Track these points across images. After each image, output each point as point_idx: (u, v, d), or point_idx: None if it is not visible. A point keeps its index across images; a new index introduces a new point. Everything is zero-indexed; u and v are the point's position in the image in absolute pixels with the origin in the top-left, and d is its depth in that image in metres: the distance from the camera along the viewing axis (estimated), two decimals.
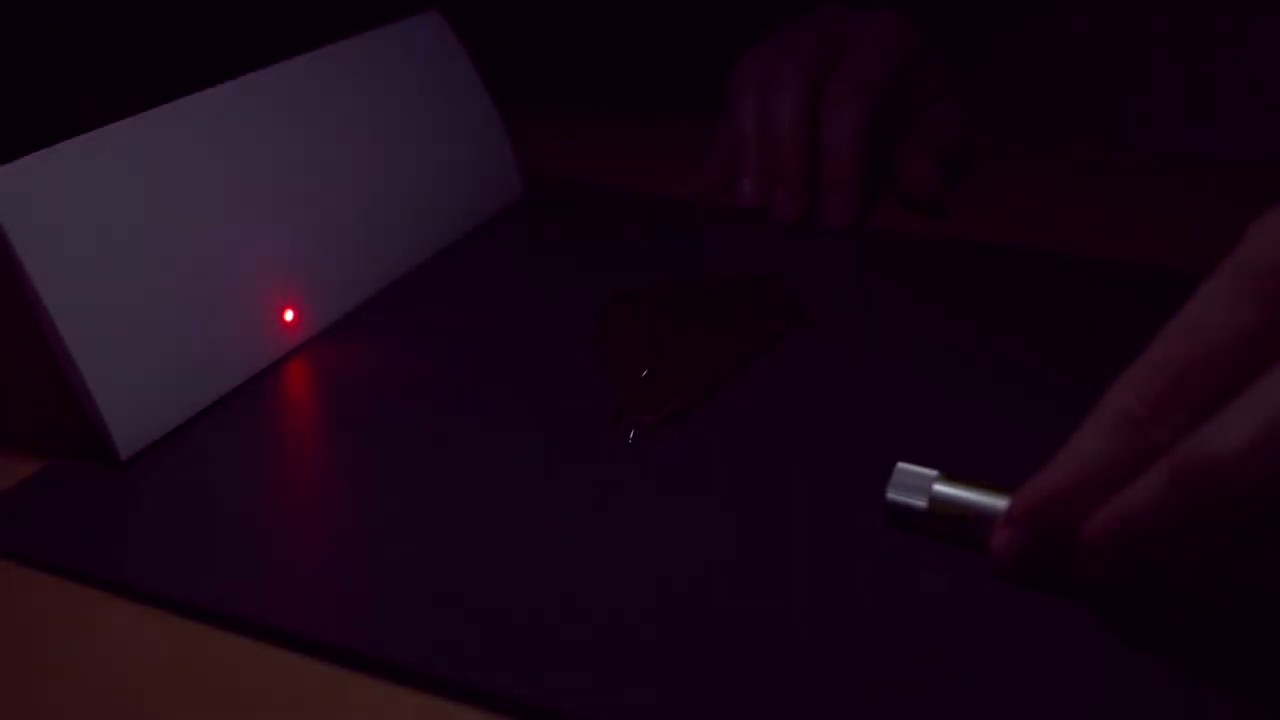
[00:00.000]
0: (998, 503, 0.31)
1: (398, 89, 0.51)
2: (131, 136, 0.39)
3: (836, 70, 0.56)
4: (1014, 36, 0.80)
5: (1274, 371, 0.25)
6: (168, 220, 0.39)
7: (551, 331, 0.45)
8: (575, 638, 0.29)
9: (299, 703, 0.28)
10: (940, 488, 0.32)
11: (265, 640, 0.30)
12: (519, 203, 0.57)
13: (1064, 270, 0.50)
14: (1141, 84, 0.73)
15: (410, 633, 0.30)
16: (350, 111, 0.48)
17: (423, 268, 0.50)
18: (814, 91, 0.56)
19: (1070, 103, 0.77)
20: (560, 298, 0.48)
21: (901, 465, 0.33)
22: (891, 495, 0.33)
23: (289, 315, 0.43)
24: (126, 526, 0.34)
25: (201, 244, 0.40)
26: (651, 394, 0.38)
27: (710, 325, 0.42)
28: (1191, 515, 0.26)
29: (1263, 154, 0.67)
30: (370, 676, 0.29)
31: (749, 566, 0.32)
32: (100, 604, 0.31)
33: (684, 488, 0.36)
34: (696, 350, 0.41)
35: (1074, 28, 0.76)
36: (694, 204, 0.58)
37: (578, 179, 0.61)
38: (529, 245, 0.54)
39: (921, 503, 0.33)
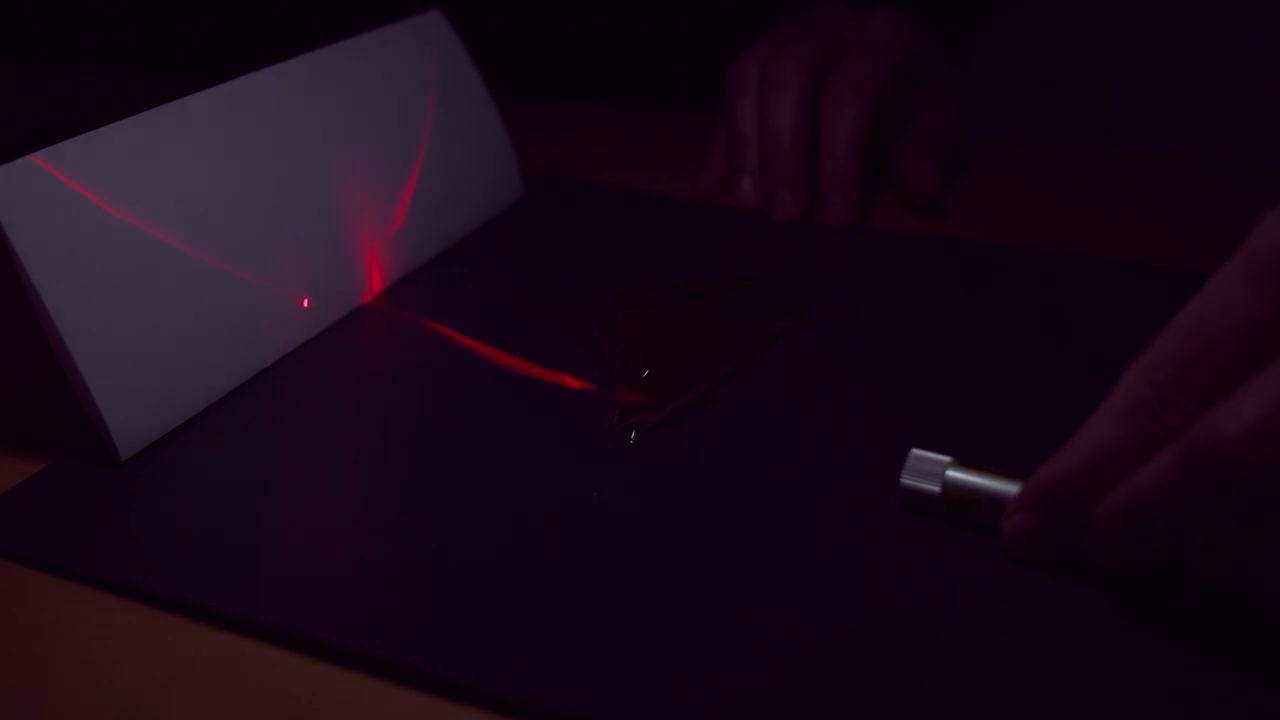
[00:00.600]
0: (1010, 488, 0.32)
1: (399, 89, 0.51)
2: (131, 136, 0.39)
3: (836, 70, 0.56)
4: (1014, 35, 0.80)
5: None
6: (168, 220, 0.39)
7: (552, 331, 0.45)
8: (577, 637, 0.29)
9: (299, 703, 0.28)
10: (953, 473, 0.33)
11: (265, 640, 0.30)
12: (520, 203, 0.57)
13: (1064, 269, 0.50)
14: (1142, 83, 0.73)
15: (410, 633, 0.30)
16: (351, 111, 0.48)
17: (424, 268, 0.50)
18: (813, 91, 0.56)
19: (1070, 102, 0.77)
20: (561, 298, 0.48)
21: (915, 451, 0.34)
22: (905, 480, 0.34)
23: (305, 303, 0.43)
24: (126, 526, 0.34)
25: (201, 244, 0.40)
26: (653, 394, 0.38)
27: (710, 325, 0.42)
28: (1202, 495, 0.27)
29: (1264, 153, 0.67)
30: (370, 676, 0.29)
31: (754, 564, 0.32)
32: (100, 604, 0.31)
33: (687, 487, 0.36)
34: (697, 350, 0.41)
35: (1074, 27, 0.76)
36: (694, 204, 0.58)
37: (578, 179, 0.61)
38: (529, 245, 0.54)
39: (935, 487, 0.33)
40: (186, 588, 0.31)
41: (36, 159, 0.36)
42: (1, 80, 0.80)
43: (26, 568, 0.33)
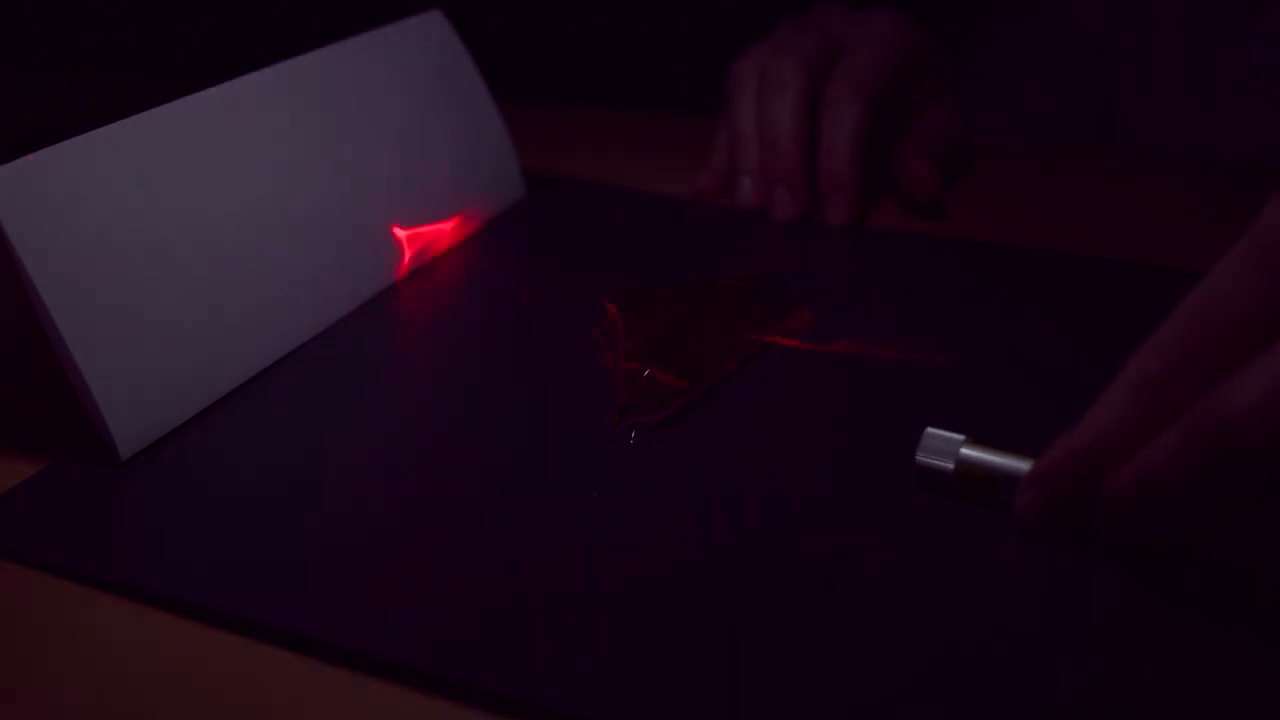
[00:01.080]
0: (1022, 465, 0.33)
1: (399, 89, 0.51)
2: (132, 136, 0.39)
3: (835, 69, 0.56)
4: (1015, 35, 0.80)
5: None
6: (168, 220, 0.39)
7: (552, 331, 0.45)
8: (580, 637, 0.29)
9: (299, 703, 0.28)
10: (967, 451, 0.34)
11: (265, 640, 0.30)
12: (520, 203, 0.57)
13: (1064, 269, 0.50)
14: (1143, 82, 0.73)
15: (411, 632, 0.30)
16: (351, 111, 0.48)
17: (424, 268, 0.50)
18: (813, 91, 0.56)
19: (1070, 102, 0.77)
20: (561, 298, 0.48)
21: (930, 430, 0.35)
22: (921, 458, 0.35)
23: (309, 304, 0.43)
24: (127, 526, 0.34)
25: (201, 244, 0.40)
26: (653, 394, 0.38)
27: (710, 325, 0.42)
28: (1206, 472, 0.27)
29: (1265, 153, 0.67)
30: (370, 676, 0.29)
31: (758, 562, 0.32)
32: (100, 604, 0.31)
33: (689, 485, 0.36)
34: (697, 350, 0.41)
35: (1075, 26, 0.76)
36: (694, 204, 0.58)
37: (578, 178, 0.61)
38: (530, 245, 0.54)
39: (949, 465, 0.34)
40: (186, 588, 0.31)
41: (36, 159, 0.36)
42: (1, 80, 0.80)
43: (26, 568, 0.33)
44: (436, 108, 0.53)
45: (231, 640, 0.30)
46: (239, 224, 0.41)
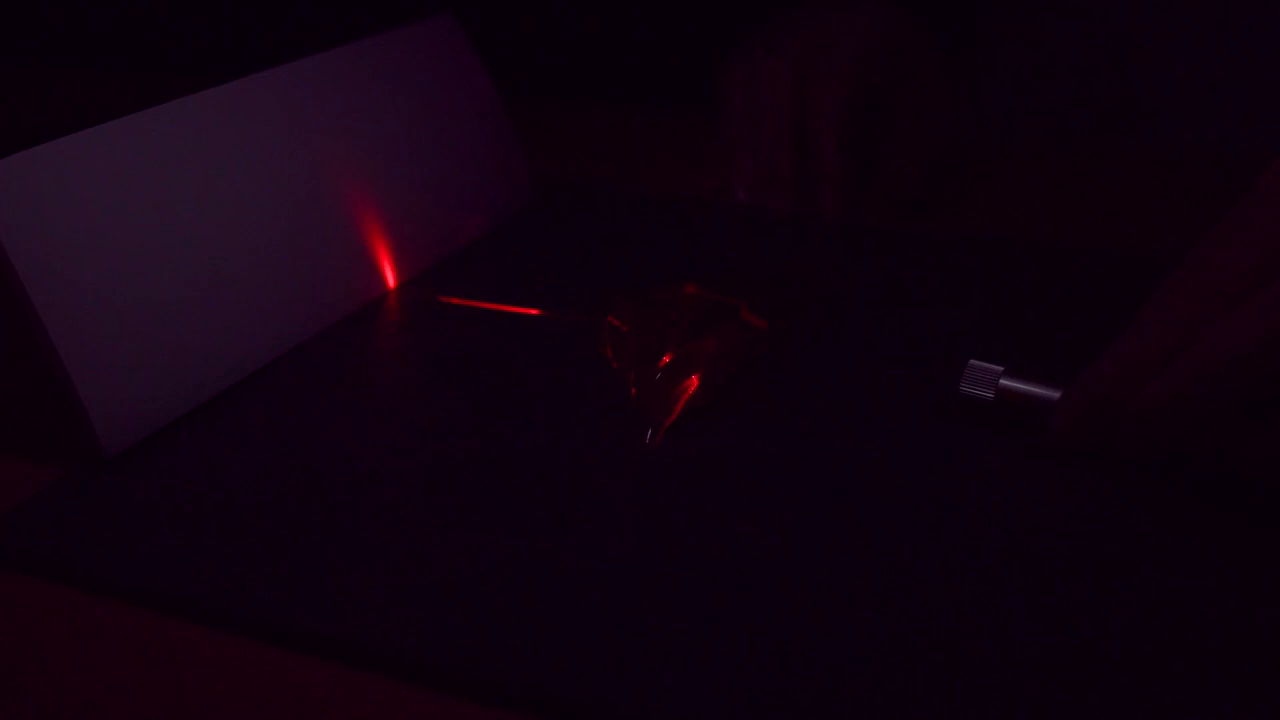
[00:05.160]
0: (1053, 393, 0.37)
1: (409, 92, 0.51)
2: (126, 135, 0.39)
3: (820, 63, 0.56)
4: (1019, 32, 0.80)
5: None
6: (161, 220, 0.39)
7: (561, 333, 0.45)
8: (601, 637, 0.29)
9: (299, 703, 0.28)
10: (1006, 381, 0.38)
11: (265, 640, 0.30)
12: (528, 206, 0.57)
13: (1067, 265, 0.50)
14: (1149, 81, 0.73)
15: (414, 630, 0.29)
16: (360, 113, 0.48)
17: (430, 271, 0.50)
18: (803, 87, 0.56)
19: (1076, 99, 0.77)
20: (569, 300, 0.48)
21: (973, 362, 0.38)
22: (964, 388, 0.38)
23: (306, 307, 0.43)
24: (111, 525, 0.34)
25: (196, 244, 0.40)
26: (666, 393, 0.38)
27: (718, 324, 0.42)
28: (1220, 390, 0.31)
29: (1267, 152, 0.67)
30: (371, 676, 0.29)
31: (780, 559, 0.32)
32: (98, 605, 0.31)
33: (712, 482, 0.35)
34: (706, 349, 0.41)
35: (1079, 24, 0.76)
36: (694, 204, 0.58)
37: (584, 181, 0.61)
38: (537, 248, 0.54)
39: (989, 393, 0.38)
40: (176, 588, 0.31)
41: (26, 155, 0.35)
42: (1, 80, 0.80)
43: (13, 571, 0.32)
44: (446, 112, 0.53)
45: (230, 640, 0.30)
46: (236, 225, 0.41)
